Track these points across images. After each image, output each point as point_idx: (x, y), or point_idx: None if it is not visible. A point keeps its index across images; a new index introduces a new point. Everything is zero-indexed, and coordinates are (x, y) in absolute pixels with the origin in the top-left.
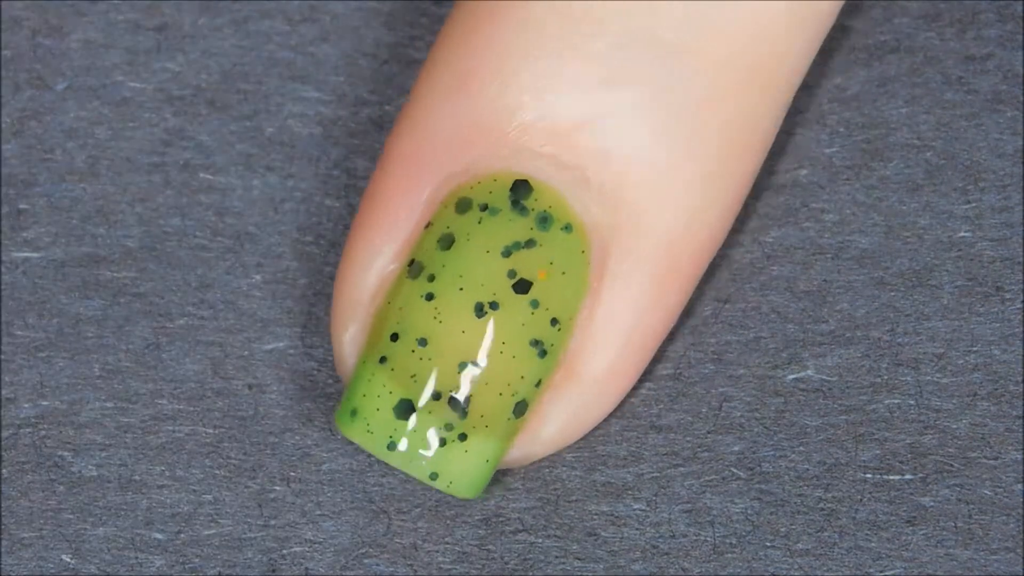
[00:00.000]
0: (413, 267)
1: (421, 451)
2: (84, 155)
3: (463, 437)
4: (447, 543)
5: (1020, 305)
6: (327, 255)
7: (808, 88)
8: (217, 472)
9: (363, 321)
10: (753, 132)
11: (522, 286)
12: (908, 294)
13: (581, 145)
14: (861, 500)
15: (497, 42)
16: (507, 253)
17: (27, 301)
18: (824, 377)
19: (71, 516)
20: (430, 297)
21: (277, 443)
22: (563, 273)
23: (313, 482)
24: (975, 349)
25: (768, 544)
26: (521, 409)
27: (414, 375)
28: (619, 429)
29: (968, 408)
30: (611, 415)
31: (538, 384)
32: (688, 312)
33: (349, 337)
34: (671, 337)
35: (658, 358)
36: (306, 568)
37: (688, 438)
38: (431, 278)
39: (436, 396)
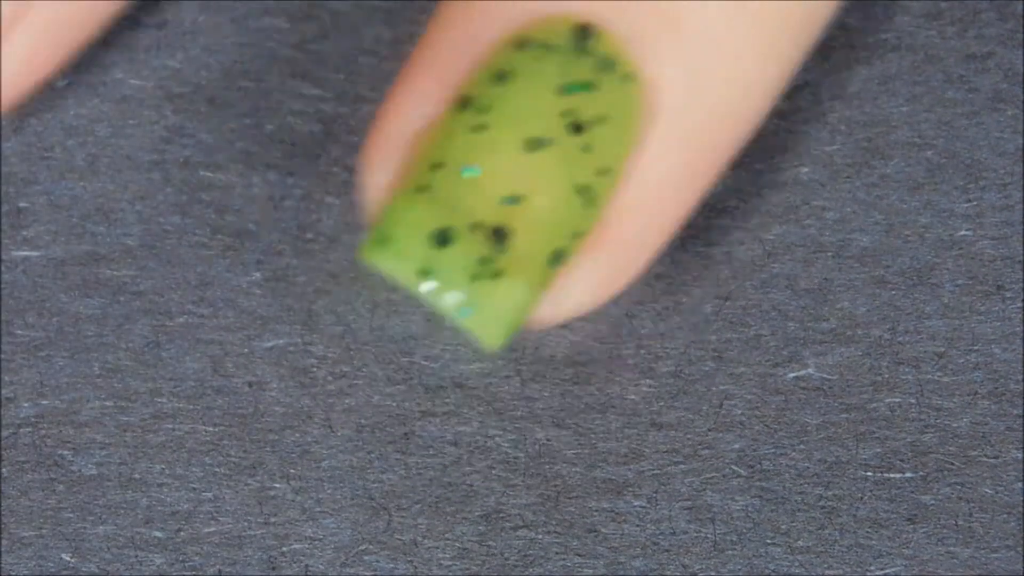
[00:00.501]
0: (462, 100)
1: (453, 282)
2: (84, 153)
3: (497, 275)
4: (447, 539)
5: (1021, 304)
6: (327, 252)
7: (809, 86)
8: (217, 470)
9: (400, 162)
10: (809, 13)
11: (576, 127)
12: (909, 292)
13: (647, 2)
14: (862, 498)
15: None
16: (565, 91)
17: (27, 300)
18: (825, 375)
19: (71, 515)
20: (479, 128)
21: (277, 440)
22: (618, 123)
23: (313, 479)
24: (976, 348)
25: (769, 541)
26: (558, 258)
27: (455, 204)
28: (620, 426)
29: (969, 407)
30: (612, 412)
31: (576, 236)
32: (689, 309)
33: (382, 177)
34: (671, 335)
35: (659, 355)
36: (306, 565)
37: (689, 436)
38: (482, 110)
39: (476, 227)
